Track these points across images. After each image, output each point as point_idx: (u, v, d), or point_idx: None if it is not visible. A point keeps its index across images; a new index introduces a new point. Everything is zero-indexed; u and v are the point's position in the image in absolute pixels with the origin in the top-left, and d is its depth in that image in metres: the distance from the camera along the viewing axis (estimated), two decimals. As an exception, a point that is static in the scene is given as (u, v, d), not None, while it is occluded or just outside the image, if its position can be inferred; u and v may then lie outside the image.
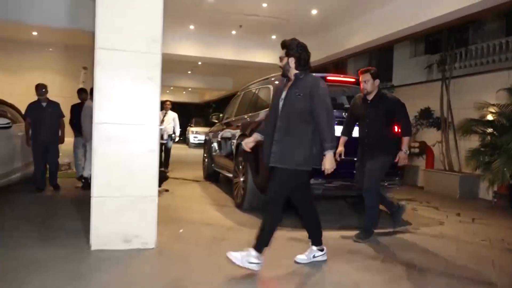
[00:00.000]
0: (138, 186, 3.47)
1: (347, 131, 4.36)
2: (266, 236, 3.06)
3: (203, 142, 9.85)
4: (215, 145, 7.33)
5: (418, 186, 8.72)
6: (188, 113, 24.57)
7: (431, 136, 8.87)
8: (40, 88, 6.10)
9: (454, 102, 8.28)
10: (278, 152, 3.05)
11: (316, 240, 3.38)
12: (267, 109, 5.03)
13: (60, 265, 3.05)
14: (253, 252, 3.01)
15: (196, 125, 21.56)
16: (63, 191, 6.27)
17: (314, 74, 3.28)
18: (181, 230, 4.13)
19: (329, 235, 4.16)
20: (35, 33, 9.70)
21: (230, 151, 6.03)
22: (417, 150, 8.85)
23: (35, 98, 6.17)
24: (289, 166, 3.01)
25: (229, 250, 3.05)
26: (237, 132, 5.73)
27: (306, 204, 3.33)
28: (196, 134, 20.15)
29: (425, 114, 9.03)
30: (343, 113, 4.67)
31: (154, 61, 3.50)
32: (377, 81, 4.15)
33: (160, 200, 3.63)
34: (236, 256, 3.00)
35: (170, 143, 9.38)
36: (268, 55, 12.21)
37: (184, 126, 20.69)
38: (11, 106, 6.37)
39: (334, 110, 4.65)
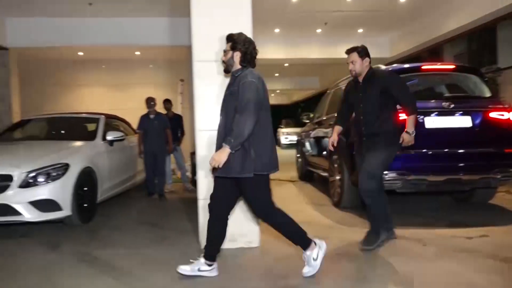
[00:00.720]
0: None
1: (340, 120, 3.91)
2: (297, 234, 2.97)
3: (294, 142, 9.91)
4: (308, 145, 7.35)
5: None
6: (278, 115, 24.90)
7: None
8: (149, 101, 6.64)
9: None
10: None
11: (211, 254, 3.01)
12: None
13: (175, 262, 3.30)
14: (307, 252, 2.95)
15: (286, 126, 21.77)
16: (170, 195, 6.80)
17: (405, 64, 3.06)
18: (282, 230, 4.23)
19: (437, 233, 3.95)
20: (137, 53, 10.70)
21: (324, 150, 6.01)
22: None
23: (138, 111, 6.77)
24: (230, 174, 2.73)
25: (331, 248, 3.00)
26: (330, 131, 5.69)
27: (226, 212, 2.99)
28: (287, 135, 20.34)
29: (541, 97, 8.05)
30: (442, 103, 4.40)
31: (247, 68, 3.65)
32: (367, 60, 3.55)
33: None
34: (307, 271, 2.93)
35: None
36: (355, 50, 11.89)
37: (274, 128, 21.04)
38: (122, 120, 7.08)
39: (432, 100, 4.51)
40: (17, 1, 7.72)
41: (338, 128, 3.89)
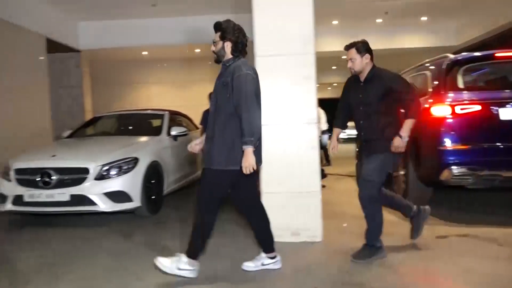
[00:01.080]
0: (302, 182, 3.66)
1: (340, 122, 3.60)
2: (199, 241, 2.83)
3: (352, 137, 9.67)
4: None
5: None
6: (334, 109, 24.44)
7: None
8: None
9: None
10: (207, 152, 2.78)
11: (267, 245, 2.99)
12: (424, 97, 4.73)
13: (237, 254, 3.40)
14: (184, 258, 2.82)
15: (344, 120, 21.36)
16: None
17: (477, 53, 2.84)
18: (345, 224, 4.19)
19: (507, 232, 3.71)
20: (197, 50, 11.01)
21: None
22: None
23: (198, 107, 6.94)
24: (213, 166, 2.72)
25: (395, 245, 2.93)
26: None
27: (252, 203, 2.97)
28: (345, 129, 20.04)
29: None
30: None
31: (310, 61, 3.65)
32: (367, 56, 3.22)
33: (320, 195, 3.76)
34: (164, 263, 2.82)
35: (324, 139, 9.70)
36: (418, 39, 11.40)
37: (331, 122, 20.73)
38: (185, 116, 7.33)
39: (508, 90, 4.21)
40: (87, 6, 8.25)
41: (337, 131, 3.62)
